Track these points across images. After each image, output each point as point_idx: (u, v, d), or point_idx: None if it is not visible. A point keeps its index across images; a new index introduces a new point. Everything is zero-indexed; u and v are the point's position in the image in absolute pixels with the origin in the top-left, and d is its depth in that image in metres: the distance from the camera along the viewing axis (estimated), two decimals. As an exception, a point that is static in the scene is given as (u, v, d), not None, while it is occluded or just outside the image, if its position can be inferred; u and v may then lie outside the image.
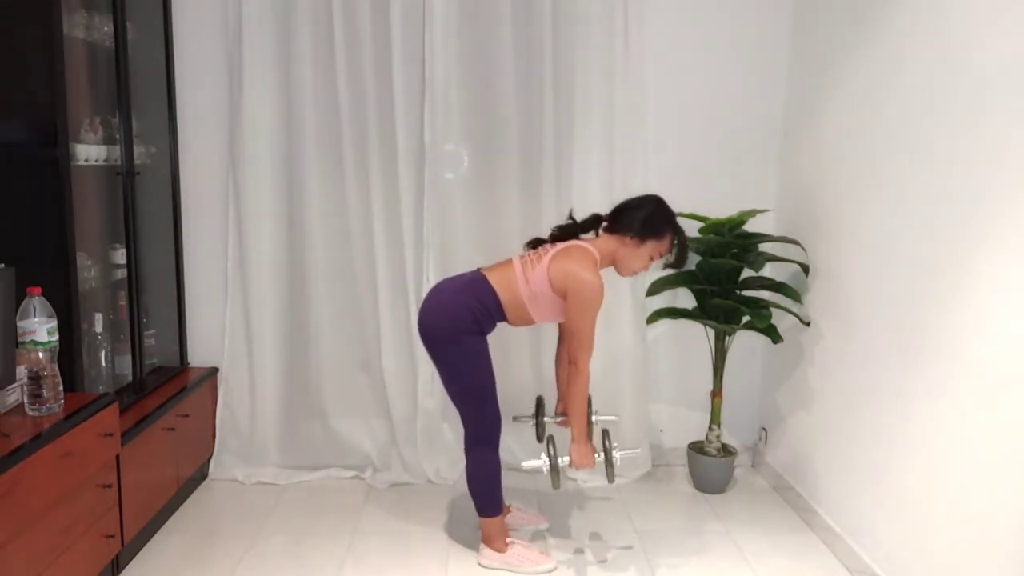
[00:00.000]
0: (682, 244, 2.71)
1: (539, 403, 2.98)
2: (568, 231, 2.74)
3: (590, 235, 2.75)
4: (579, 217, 2.76)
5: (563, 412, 2.92)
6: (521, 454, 3.52)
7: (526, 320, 2.70)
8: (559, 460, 2.66)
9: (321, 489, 3.40)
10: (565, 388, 2.81)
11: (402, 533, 3.03)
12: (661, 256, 2.71)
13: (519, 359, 3.45)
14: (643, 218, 2.65)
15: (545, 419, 2.95)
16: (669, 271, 3.39)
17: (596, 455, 2.68)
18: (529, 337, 3.41)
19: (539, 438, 2.94)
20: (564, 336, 2.85)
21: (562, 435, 2.77)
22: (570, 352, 2.64)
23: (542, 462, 2.67)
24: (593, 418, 2.88)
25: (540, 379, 3.41)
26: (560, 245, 2.67)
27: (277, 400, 3.49)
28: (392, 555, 2.87)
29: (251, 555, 2.86)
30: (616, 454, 2.66)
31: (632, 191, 2.96)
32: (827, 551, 2.92)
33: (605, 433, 2.71)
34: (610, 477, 2.69)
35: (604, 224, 2.72)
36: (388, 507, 3.24)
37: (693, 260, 3.34)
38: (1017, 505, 2.01)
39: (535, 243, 2.78)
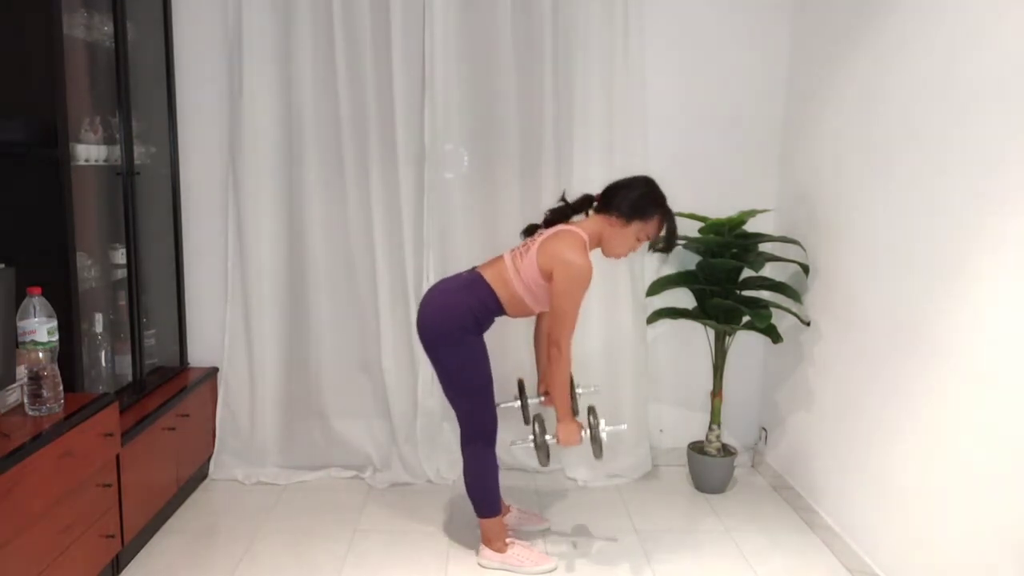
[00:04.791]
0: (670, 228, 2.67)
1: (520, 386, 2.97)
2: (559, 213, 2.73)
3: (580, 217, 2.74)
4: (571, 199, 2.75)
5: (545, 392, 2.92)
6: (522, 455, 3.53)
7: (526, 312, 2.70)
8: (546, 438, 2.66)
9: (321, 489, 3.40)
10: (546, 368, 2.78)
11: (402, 533, 3.03)
12: (648, 238, 2.67)
13: (517, 351, 3.44)
14: (632, 199, 2.62)
15: (529, 400, 2.93)
16: (669, 272, 3.41)
17: (582, 431, 2.67)
18: (527, 328, 3.40)
19: (526, 420, 2.92)
20: (543, 315, 2.84)
21: (551, 417, 2.75)
22: (552, 333, 2.61)
23: (528, 440, 2.67)
24: (578, 390, 2.89)
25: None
26: (548, 231, 2.67)
27: (277, 400, 3.49)
28: (392, 555, 2.87)
29: (251, 555, 2.86)
30: (602, 431, 2.64)
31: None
32: (827, 551, 2.92)
33: (591, 410, 2.70)
34: (597, 453, 2.68)
35: (595, 204, 2.72)
36: (388, 507, 3.24)
37: (693, 260, 3.34)
38: (1017, 504, 2.01)
39: (531, 229, 2.77)
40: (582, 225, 2.67)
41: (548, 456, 2.70)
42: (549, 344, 2.63)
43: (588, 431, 2.67)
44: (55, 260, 2.54)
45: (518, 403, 2.95)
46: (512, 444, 2.79)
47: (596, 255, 2.67)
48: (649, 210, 2.63)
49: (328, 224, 3.40)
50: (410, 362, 3.43)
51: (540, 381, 2.98)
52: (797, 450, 3.29)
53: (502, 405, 2.92)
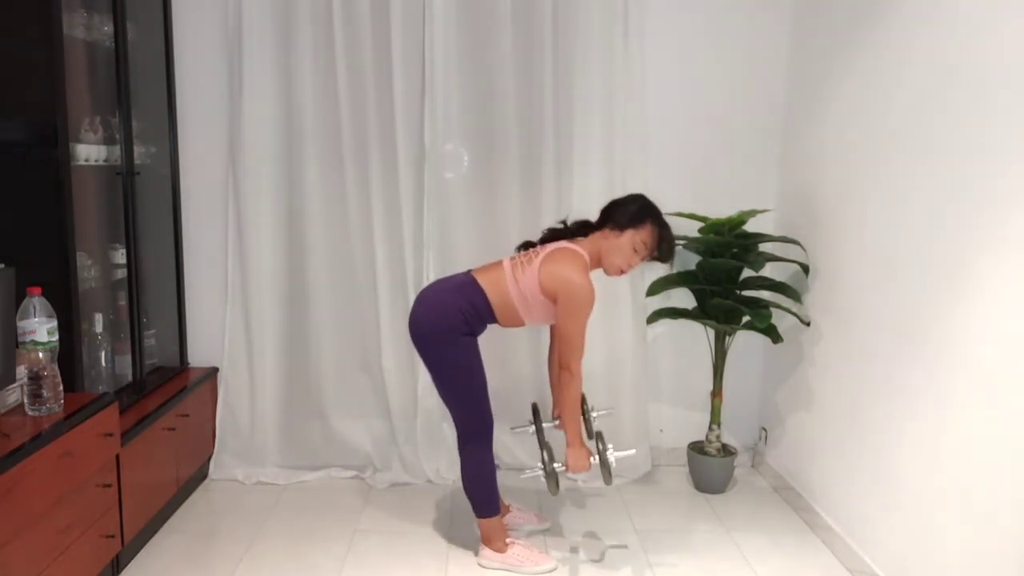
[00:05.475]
0: (667, 238, 2.68)
1: (535, 410, 2.97)
2: (558, 233, 2.75)
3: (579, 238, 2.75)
4: (571, 205, 2.77)
5: (559, 416, 2.93)
6: (521, 455, 3.53)
7: (516, 322, 2.70)
8: (555, 465, 2.66)
9: (321, 489, 3.40)
10: (558, 392, 2.80)
11: (402, 533, 3.03)
12: (645, 247, 2.67)
13: (517, 359, 3.45)
14: (622, 210, 2.68)
15: (544, 425, 2.94)
16: (668, 271, 3.41)
17: (592, 458, 2.68)
18: (527, 337, 3.41)
19: (541, 445, 2.92)
20: (555, 339, 2.85)
21: (560, 439, 2.76)
22: (561, 357, 2.64)
23: (538, 469, 2.68)
24: (593, 414, 2.91)
25: (539, 378, 3.40)
26: (550, 247, 2.68)
27: (277, 400, 3.49)
28: (392, 555, 2.87)
29: (251, 555, 2.86)
30: (611, 457, 2.65)
31: (632, 191, 2.96)
32: (827, 551, 2.92)
33: (599, 436, 2.70)
34: (606, 479, 2.68)
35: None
36: (388, 507, 3.24)
37: (693, 260, 3.34)
38: (1017, 505, 2.01)
39: (526, 245, 2.78)
40: (581, 245, 2.68)
41: (558, 484, 2.69)
42: (560, 368, 2.65)
43: (597, 456, 2.67)
44: (55, 260, 2.54)
45: (532, 428, 2.94)
46: (522, 475, 2.82)
47: (598, 275, 2.68)
48: (641, 215, 2.66)
49: (328, 224, 3.40)
50: (410, 362, 3.43)
51: (554, 405, 2.98)
52: (797, 450, 3.29)
53: (516, 429, 2.95)
